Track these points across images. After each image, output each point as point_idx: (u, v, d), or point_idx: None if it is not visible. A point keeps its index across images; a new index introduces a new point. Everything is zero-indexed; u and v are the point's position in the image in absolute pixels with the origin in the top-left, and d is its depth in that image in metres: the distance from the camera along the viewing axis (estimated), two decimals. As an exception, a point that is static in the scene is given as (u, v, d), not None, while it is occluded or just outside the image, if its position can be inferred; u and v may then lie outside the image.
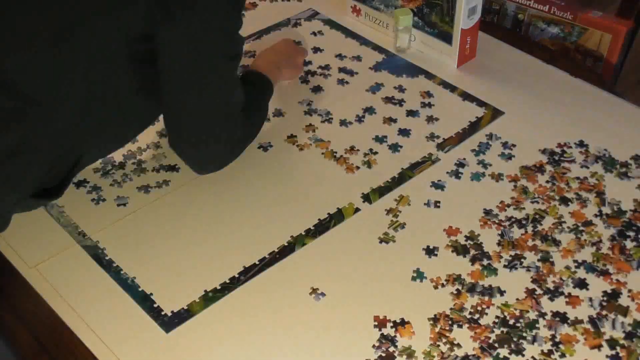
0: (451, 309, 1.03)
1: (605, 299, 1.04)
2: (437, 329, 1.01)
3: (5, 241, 1.15)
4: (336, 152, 1.28)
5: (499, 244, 1.12)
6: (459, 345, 0.99)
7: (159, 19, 1.00)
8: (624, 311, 1.03)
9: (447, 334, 1.01)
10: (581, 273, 1.08)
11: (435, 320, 1.02)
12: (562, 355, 0.98)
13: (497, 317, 1.02)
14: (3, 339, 1.07)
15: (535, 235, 1.13)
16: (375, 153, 1.28)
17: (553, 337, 1.00)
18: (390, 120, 1.35)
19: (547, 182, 1.22)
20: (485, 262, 1.09)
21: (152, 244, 1.14)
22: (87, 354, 1.00)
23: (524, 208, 1.17)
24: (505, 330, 1.01)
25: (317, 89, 1.42)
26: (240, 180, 1.24)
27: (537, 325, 1.01)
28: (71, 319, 1.04)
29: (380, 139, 1.31)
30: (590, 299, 1.04)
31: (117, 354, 1.00)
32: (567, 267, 1.08)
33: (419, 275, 1.08)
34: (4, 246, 1.14)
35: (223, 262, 1.11)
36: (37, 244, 1.14)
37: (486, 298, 1.04)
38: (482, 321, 1.02)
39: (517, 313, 1.02)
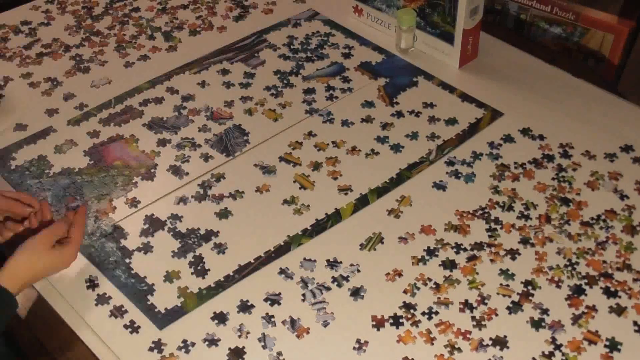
0: (441, 304, 1.04)
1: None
2: (438, 329, 1.01)
3: (6, 241, 1.15)
4: (336, 156, 1.28)
5: (498, 244, 1.12)
6: (459, 349, 0.99)
7: None
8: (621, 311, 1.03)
9: (449, 335, 1.01)
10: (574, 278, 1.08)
11: (436, 322, 1.02)
12: (563, 355, 0.98)
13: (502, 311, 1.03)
14: (4, 338, 1.08)
15: (536, 234, 1.13)
16: (377, 153, 1.28)
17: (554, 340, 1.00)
18: (390, 120, 1.35)
19: (548, 182, 1.22)
20: (485, 260, 1.09)
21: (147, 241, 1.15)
22: (86, 352, 1.01)
23: (524, 208, 1.17)
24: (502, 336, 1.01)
25: (316, 91, 1.42)
26: (239, 180, 1.24)
27: (543, 324, 1.01)
28: (70, 317, 1.05)
29: (382, 140, 1.31)
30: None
31: (115, 352, 1.00)
32: (566, 266, 1.08)
33: (419, 274, 1.08)
34: (5, 247, 1.15)
35: (218, 260, 1.11)
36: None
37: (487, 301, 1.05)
38: (485, 323, 1.02)
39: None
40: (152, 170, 1.26)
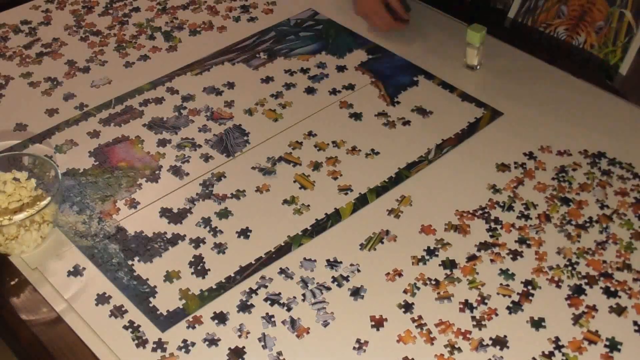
0: (437, 297, 1.04)
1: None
2: (438, 329, 1.01)
3: (6, 241, 1.15)
4: (336, 156, 1.28)
5: (499, 243, 1.12)
6: (459, 349, 0.99)
7: None
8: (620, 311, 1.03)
9: (449, 335, 1.01)
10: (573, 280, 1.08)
11: (436, 322, 1.02)
12: (564, 355, 0.98)
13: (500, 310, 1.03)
14: (4, 339, 1.08)
15: (537, 234, 1.13)
16: (377, 153, 1.28)
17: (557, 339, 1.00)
18: (391, 120, 1.35)
19: (548, 182, 1.22)
20: (485, 260, 1.09)
21: (148, 243, 1.14)
22: (87, 352, 1.01)
23: (524, 207, 1.17)
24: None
25: (316, 90, 1.42)
26: (240, 180, 1.24)
27: (543, 324, 1.02)
28: (71, 318, 1.05)
29: (382, 139, 1.31)
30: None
31: (117, 353, 1.00)
32: (566, 266, 1.08)
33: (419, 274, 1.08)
34: (5, 246, 1.15)
35: (219, 261, 1.11)
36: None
37: (488, 301, 1.05)
38: (485, 323, 1.02)
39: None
40: (157, 172, 1.26)
